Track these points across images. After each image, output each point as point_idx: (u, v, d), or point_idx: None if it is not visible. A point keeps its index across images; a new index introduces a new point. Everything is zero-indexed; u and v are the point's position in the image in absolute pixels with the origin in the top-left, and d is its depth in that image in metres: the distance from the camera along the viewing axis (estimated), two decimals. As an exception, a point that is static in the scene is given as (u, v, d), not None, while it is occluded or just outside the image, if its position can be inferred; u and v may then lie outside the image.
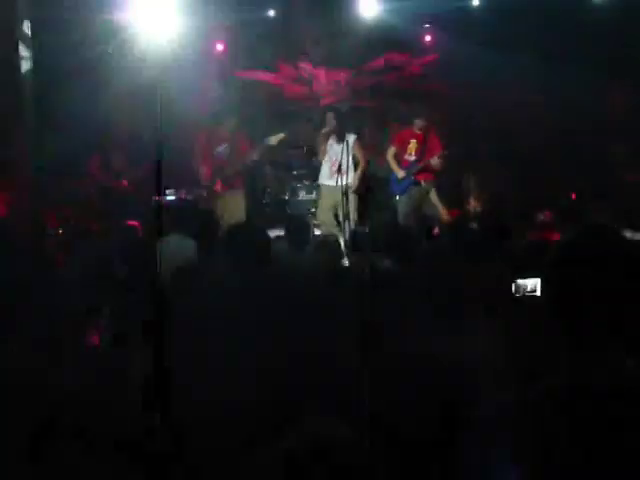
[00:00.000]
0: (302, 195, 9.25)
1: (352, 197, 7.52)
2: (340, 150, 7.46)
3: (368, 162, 8.12)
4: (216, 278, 3.58)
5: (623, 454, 1.83)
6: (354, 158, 7.69)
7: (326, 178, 7.91)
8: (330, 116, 7.83)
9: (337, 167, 7.47)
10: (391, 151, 8.23)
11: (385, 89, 10.12)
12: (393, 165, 8.15)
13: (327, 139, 7.81)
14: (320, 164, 8.08)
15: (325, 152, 7.86)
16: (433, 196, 8.05)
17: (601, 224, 2.47)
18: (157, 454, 2.35)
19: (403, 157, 8.13)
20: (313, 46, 10.26)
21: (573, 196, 8.54)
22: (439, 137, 8.13)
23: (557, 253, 2.05)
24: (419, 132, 8.07)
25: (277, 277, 3.43)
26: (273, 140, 7.65)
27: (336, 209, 7.50)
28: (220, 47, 10.12)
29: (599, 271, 1.97)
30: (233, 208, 7.71)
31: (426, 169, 7.96)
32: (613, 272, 1.97)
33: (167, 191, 8.75)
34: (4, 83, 7.84)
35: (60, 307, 3.55)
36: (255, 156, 7.74)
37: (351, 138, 7.70)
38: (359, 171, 7.82)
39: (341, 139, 7.65)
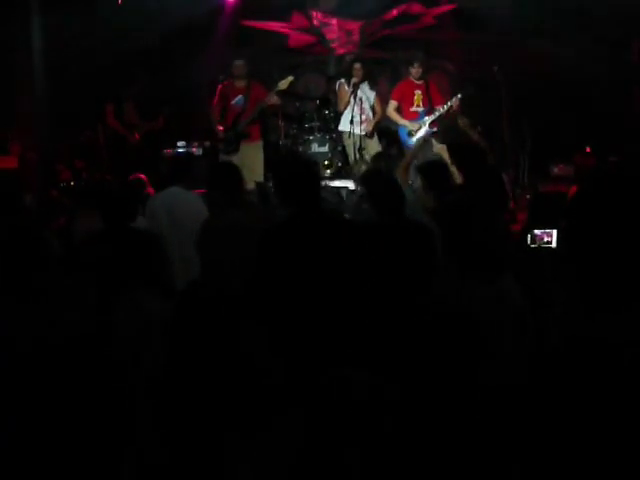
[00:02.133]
0: (315, 147, 9.18)
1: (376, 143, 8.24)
2: (366, 99, 8.03)
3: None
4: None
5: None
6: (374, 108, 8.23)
7: (356, 125, 7.99)
8: (358, 67, 8.02)
9: (365, 116, 8.03)
10: (392, 105, 8.13)
11: (398, 40, 9.95)
12: (398, 119, 8.04)
13: (356, 90, 7.90)
14: (340, 113, 8.32)
15: (349, 102, 7.98)
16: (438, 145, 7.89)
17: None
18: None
19: (409, 110, 8.01)
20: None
21: (587, 149, 8.41)
22: (437, 86, 8.18)
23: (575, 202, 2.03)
24: (419, 83, 7.99)
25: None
26: (283, 85, 7.62)
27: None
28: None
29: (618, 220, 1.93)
30: (251, 161, 7.65)
31: (442, 116, 7.81)
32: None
33: (178, 143, 8.76)
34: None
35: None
36: (270, 101, 7.67)
37: (374, 90, 8.23)
38: (377, 119, 8.28)
39: (368, 89, 8.13)
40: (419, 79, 7.99)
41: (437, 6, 9.84)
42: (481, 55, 9.15)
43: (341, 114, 8.27)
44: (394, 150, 8.54)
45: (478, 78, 8.71)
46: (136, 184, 6.02)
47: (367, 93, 8.08)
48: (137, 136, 8.33)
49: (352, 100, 7.89)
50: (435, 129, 7.86)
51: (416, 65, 7.95)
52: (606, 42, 8.67)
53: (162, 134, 8.60)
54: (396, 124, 8.15)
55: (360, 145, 7.87)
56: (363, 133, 7.96)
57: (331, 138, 8.83)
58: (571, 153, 8.39)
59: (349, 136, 8.01)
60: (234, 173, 4.27)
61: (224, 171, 4.37)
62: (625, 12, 8.47)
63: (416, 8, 9.82)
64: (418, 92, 7.97)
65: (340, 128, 8.36)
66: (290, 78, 7.73)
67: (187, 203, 4.73)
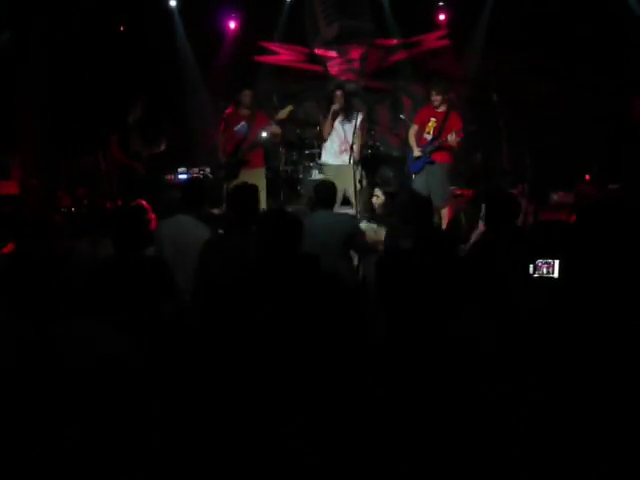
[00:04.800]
0: (315, 174, 9.18)
1: (363, 173, 7.73)
2: (348, 128, 7.64)
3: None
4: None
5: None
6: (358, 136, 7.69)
7: (333, 156, 7.83)
8: (339, 94, 7.74)
9: (346, 146, 7.62)
10: (413, 129, 8.01)
11: (398, 67, 10.04)
12: (412, 143, 7.93)
13: (336, 117, 7.71)
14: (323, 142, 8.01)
15: (331, 130, 7.77)
16: (442, 175, 7.77)
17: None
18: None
19: (422, 136, 7.88)
20: (327, 25, 10.19)
21: (587, 177, 8.43)
22: (460, 114, 7.90)
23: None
24: (440, 111, 7.80)
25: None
26: (283, 114, 7.66)
27: (343, 187, 7.46)
28: (233, 25, 10.08)
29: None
30: None
31: (442, 148, 7.69)
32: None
33: (179, 169, 8.76)
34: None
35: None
36: (270, 131, 7.70)
37: (360, 116, 7.69)
38: (360, 149, 7.81)
39: (350, 117, 7.70)
40: (439, 107, 7.81)
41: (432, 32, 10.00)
42: (480, 81, 9.24)
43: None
44: None
45: (477, 107, 8.79)
46: (137, 210, 5.98)
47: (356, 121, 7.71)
48: (142, 166, 8.09)
49: (336, 129, 7.73)
50: (431, 160, 7.72)
51: (433, 93, 7.81)
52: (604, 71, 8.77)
53: (164, 159, 8.49)
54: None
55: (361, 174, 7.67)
56: (352, 162, 7.60)
57: (322, 165, 8.68)
58: (572, 180, 8.38)
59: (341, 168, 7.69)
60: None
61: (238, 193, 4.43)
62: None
63: (415, 36, 9.94)
64: (433, 119, 7.81)
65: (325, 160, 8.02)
66: (289, 107, 7.76)
67: (194, 233, 4.69)
